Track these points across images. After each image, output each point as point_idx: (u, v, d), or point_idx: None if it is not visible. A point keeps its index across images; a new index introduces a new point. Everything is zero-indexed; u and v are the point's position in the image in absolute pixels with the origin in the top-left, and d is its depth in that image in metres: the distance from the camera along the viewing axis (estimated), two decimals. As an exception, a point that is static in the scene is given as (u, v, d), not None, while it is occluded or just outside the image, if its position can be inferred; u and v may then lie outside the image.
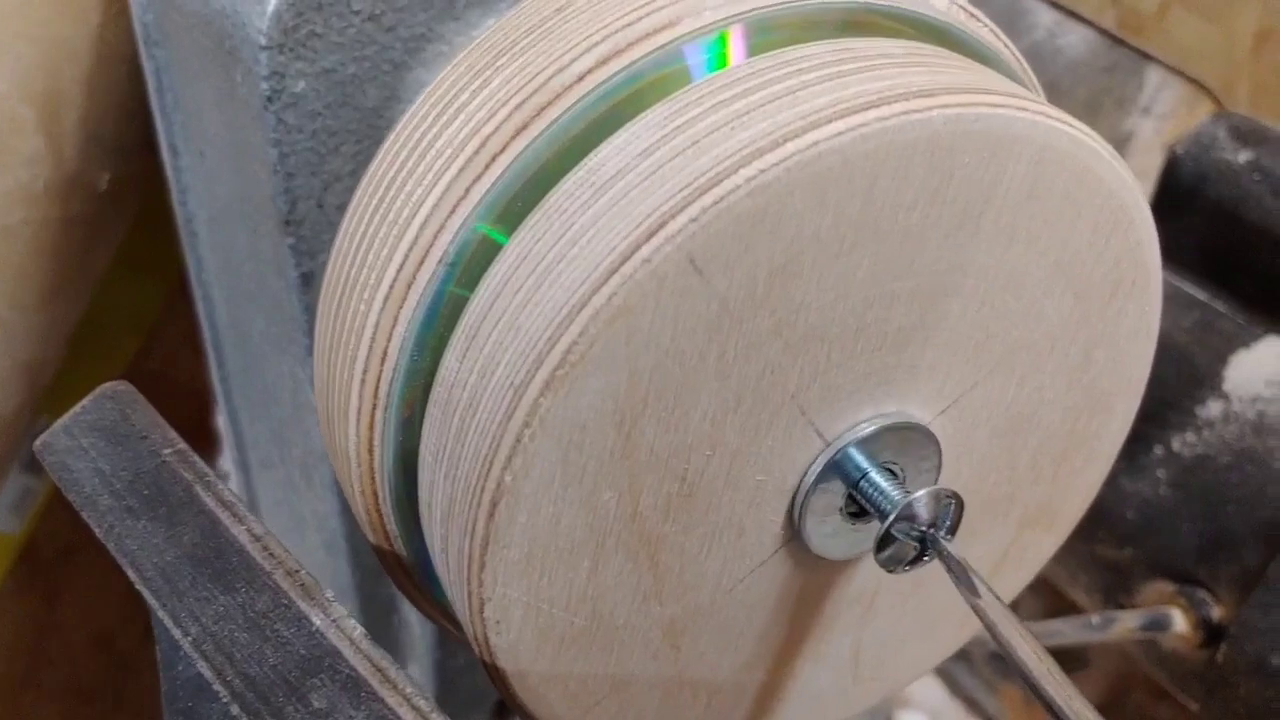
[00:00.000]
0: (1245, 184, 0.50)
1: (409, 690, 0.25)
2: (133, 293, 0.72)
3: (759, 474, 0.27)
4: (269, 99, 0.36)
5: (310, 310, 0.40)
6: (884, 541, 0.28)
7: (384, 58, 0.38)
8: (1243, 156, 0.51)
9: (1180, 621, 0.49)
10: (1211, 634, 0.48)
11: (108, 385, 0.33)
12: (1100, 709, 0.61)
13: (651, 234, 0.23)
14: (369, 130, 0.38)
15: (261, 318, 0.43)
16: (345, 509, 0.44)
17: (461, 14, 0.38)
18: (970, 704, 0.61)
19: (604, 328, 0.23)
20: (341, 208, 0.39)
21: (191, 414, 0.62)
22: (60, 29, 0.51)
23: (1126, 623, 0.49)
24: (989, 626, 0.27)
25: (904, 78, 0.25)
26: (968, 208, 0.26)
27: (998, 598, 0.27)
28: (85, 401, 0.33)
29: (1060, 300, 0.28)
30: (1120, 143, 0.55)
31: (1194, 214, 0.51)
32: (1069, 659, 0.58)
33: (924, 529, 0.27)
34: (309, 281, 0.39)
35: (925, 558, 0.28)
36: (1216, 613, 0.48)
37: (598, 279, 0.24)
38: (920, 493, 0.27)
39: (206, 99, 0.40)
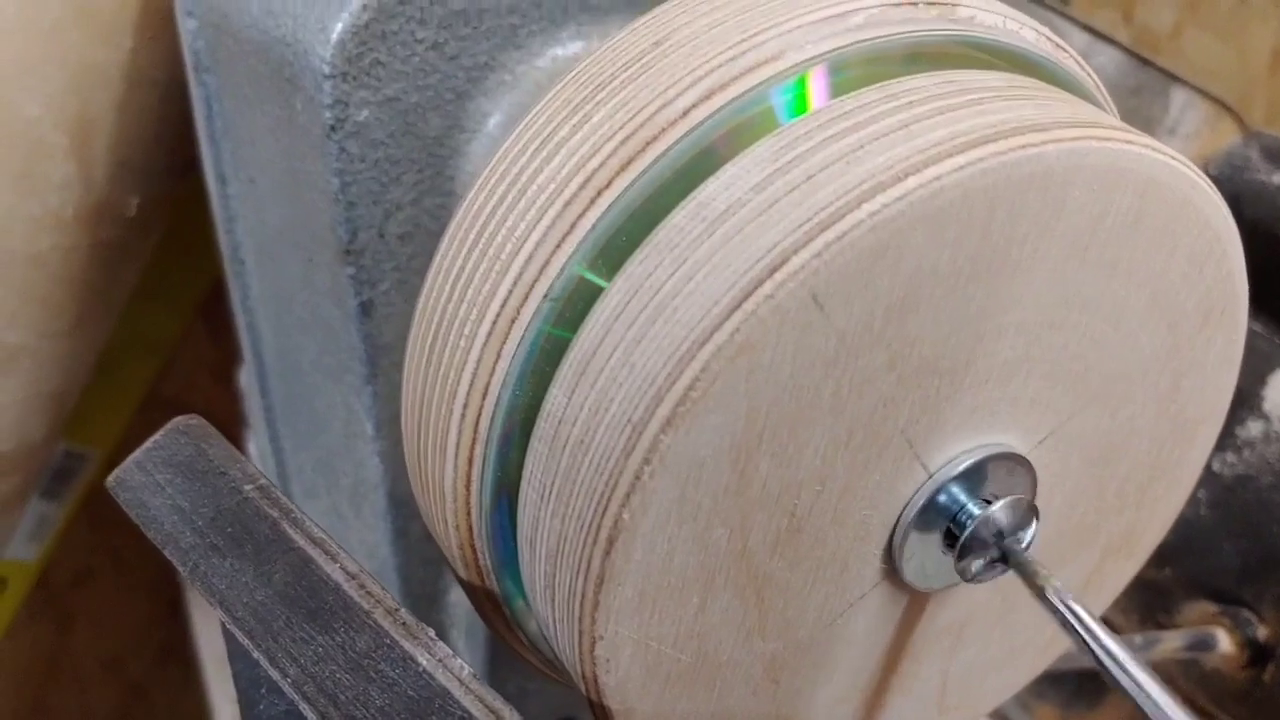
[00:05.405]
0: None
1: (525, 731, 0.25)
2: (151, 319, 0.71)
3: (865, 508, 0.27)
4: (332, 128, 0.36)
5: (369, 339, 0.39)
6: (964, 551, 0.28)
7: (446, 86, 0.37)
8: (1277, 178, 0.51)
9: (1226, 641, 0.49)
10: (1256, 654, 0.49)
11: (179, 420, 0.32)
12: (1137, 729, 0.60)
13: (774, 269, 0.23)
14: (430, 160, 0.38)
15: (314, 346, 0.42)
16: (396, 538, 0.44)
17: (524, 43, 0.38)
18: (1005, 724, 0.61)
19: (726, 364, 0.23)
20: (402, 237, 0.39)
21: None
22: (93, 54, 0.50)
23: (1171, 643, 0.49)
24: (1070, 630, 0.27)
25: (1014, 111, 0.25)
26: (1075, 240, 0.26)
27: (1076, 604, 0.27)
28: (157, 436, 0.32)
29: (1155, 330, 0.28)
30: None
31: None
32: (1103, 680, 0.58)
33: (1002, 537, 0.28)
34: (368, 311, 0.39)
35: (1004, 563, 0.28)
36: (1261, 632, 0.49)
37: (719, 315, 0.23)
38: (1000, 502, 0.28)
39: (260, 126, 0.40)
